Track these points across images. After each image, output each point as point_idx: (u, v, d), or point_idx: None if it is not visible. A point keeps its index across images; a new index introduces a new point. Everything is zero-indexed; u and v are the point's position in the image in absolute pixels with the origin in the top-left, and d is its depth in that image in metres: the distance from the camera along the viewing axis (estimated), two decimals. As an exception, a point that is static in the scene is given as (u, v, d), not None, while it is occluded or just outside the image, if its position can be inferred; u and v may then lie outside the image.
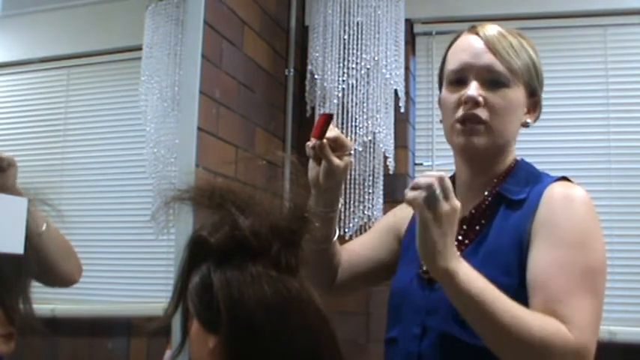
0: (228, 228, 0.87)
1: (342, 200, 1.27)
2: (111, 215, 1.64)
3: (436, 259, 0.99)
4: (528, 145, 2.36)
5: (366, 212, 2.13)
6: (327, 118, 1.15)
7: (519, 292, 1.05)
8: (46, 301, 1.36)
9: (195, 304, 0.88)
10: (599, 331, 1.05)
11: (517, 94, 1.15)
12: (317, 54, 2.23)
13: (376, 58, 2.17)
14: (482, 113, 1.13)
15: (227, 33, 1.96)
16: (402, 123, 2.37)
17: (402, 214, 1.34)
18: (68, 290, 1.35)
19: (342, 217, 2.14)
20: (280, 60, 2.37)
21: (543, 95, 1.24)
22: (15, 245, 0.85)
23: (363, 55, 2.16)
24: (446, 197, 0.99)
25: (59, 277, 1.32)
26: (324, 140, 1.16)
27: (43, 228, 1.25)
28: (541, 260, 1.06)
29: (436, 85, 1.30)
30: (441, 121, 1.23)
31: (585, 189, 1.14)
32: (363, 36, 2.17)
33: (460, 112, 1.14)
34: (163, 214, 0.94)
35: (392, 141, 2.23)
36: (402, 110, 2.32)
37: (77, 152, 1.59)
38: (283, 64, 2.40)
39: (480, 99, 1.12)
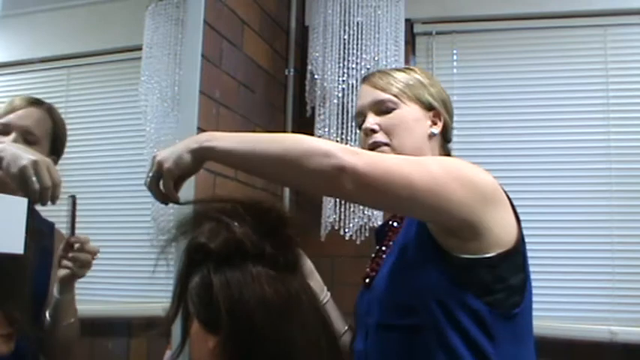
0: (226, 232, 0.88)
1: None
2: (111, 215, 1.63)
3: (193, 147, 1.07)
4: (529, 145, 2.37)
5: (366, 212, 2.13)
6: None
7: (430, 260, 1.10)
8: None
9: (195, 305, 0.88)
10: (397, 180, 1.01)
11: (409, 111, 1.30)
12: (317, 54, 2.23)
13: (376, 58, 2.17)
14: (380, 137, 1.28)
15: (227, 33, 1.96)
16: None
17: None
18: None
19: (342, 218, 2.14)
20: (280, 60, 2.37)
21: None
22: (15, 245, 0.85)
23: (363, 55, 2.16)
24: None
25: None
26: None
27: (72, 320, 1.28)
28: None
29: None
30: None
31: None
32: (363, 36, 2.17)
33: (368, 143, 1.30)
34: (163, 257, 0.97)
35: (392, 141, 2.23)
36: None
37: (77, 152, 1.59)
38: (283, 64, 2.40)
39: (375, 126, 1.29)
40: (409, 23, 2.44)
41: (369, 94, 1.33)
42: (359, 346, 1.23)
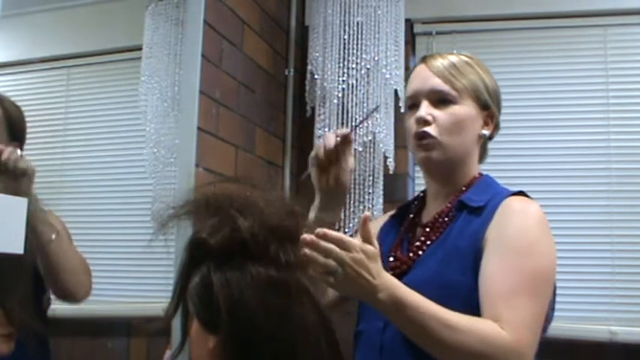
0: (228, 230, 0.87)
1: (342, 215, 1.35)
2: (111, 215, 1.63)
3: (375, 296, 1.02)
4: (528, 145, 2.37)
5: (366, 213, 2.13)
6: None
7: (473, 290, 1.14)
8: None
9: (195, 304, 0.88)
10: (539, 330, 1.14)
11: (465, 109, 1.27)
12: (317, 54, 2.22)
13: (376, 58, 2.17)
14: (432, 130, 1.25)
15: (227, 33, 1.96)
16: (402, 123, 2.36)
17: (379, 219, 1.45)
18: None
19: (342, 217, 2.13)
20: (280, 60, 2.37)
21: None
22: (15, 245, 0.85)
23: (363, 55, 2.16)
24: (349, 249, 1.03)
25: (61, 290, 1.33)
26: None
27: (53, 237, 1.26)
28: (490, 265, 1.15)
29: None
30: None
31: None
32: (363, 36, 2.17)
33: (416, 130, 1.28)
34: (163, 234, 0.95)
35: (392, 141, 2.23)
36: (402, 110, 2.31)
37: (77, 152, 1.59)
38: (283, 64, 2.39)
39: (429, 117, 1.26)
40: (409, 23, 2.44)
41: (427, 80, 1.29)
42: (373, 338, 1.21)
